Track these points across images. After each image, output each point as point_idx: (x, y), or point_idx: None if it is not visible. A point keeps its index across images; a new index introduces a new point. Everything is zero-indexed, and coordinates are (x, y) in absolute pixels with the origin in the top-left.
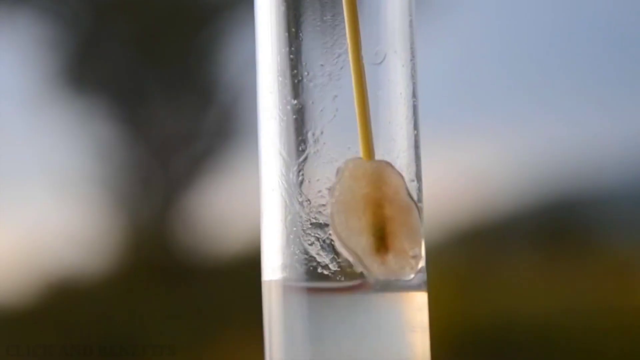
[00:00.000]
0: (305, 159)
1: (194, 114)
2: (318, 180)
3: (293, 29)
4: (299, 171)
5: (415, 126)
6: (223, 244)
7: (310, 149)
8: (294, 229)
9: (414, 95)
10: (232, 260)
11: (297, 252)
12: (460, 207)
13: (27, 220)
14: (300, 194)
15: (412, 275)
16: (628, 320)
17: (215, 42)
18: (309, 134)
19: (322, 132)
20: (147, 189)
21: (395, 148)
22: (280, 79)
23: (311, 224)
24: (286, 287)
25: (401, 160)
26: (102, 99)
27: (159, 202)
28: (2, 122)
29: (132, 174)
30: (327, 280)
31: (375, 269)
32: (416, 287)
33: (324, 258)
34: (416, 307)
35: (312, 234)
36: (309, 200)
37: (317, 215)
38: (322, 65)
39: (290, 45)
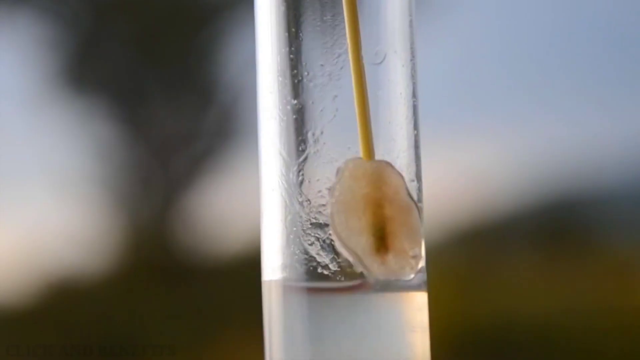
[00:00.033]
0: (305, 159)
1: (194, 114)
2: (318, 180)
3: (293, 29)
4: (299, 171)
5: (415, 126)
6: (223, 244)
7: (310, 149)
8: (294, 229)
9: (414, 95)
10: (232, 260)
11: (297, 252)
12: (460, 207)
13: (27, 220)
14: (300, 194)
15: (412, 275)
16: (628, 320)
17: (215, 42)
18: (309, 134)
19: (322, 132)
20: (147, 189)
21: (395, 148)
22: (280, 79)
23: (311, 224)
24: (286, 287)
25: (401, 160)
26: (102, 99)
27: (159, 202)
28: (2, 122)
29: (132, 174)
30: (327, 280)
31: (375, 268)
32: (416, 287)
33: (324, 258)
34: (416, 307)
35: (312, 234)
36: (309, 200)
37: (317, 215)
38: (322, 65)
39: (290, 45)
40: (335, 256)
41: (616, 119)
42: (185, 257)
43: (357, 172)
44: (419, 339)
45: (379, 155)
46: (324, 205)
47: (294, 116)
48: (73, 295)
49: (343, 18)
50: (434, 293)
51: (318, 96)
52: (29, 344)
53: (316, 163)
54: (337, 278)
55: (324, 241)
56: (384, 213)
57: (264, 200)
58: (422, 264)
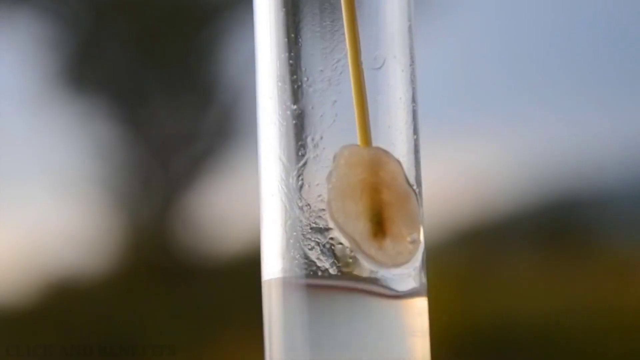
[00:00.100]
0: (305, 163)
1: (194, 114)
2: (318, 184)
3: (292, 35)
4: (299, 176)
5: (415, 131)
6: (223, 244)
7: (310, 154)
8: (294, 233)
9: (414, 100)
10: (232, 260)
11: (297, 256)
12: (460, 207)
13: (27, 220)
14: (300, 198)
15: (409, 262)
16: (628, 320)
17: (215, 42)
18: (309, 139)
19: (321, 137)
20: (147, 189)
21: (394, 153)
22: (279, 84)
23: (311, 228)
24: (286, 286)
25: None
26: (102, 99)
27: (159, 202)
28: (2, 122)
29: (132, 174)
30: (328, 279)
31: (372, 253)
32: (416, 292)
33: (324, 262)
34: (416, 311)
35: (312, 239)
36: (308, 204)
37: (317, 220)
38: (321, 70)
39: (289, 51)
40: (336, 261)
41: (616, 119)
42: (185, 257)
43: (352, 159)
44: (419, 344)
45: None
46: (323, 209)
47: (294, 121)
48: (73, 295)
49: (342, 23)
50: (434, 293)
51: (317, 101)
52: (29, 344)
53: (316, 168)
54: (338, 282)
55: (324, 245)
56: (381, 198)
57: (263, 205)
58: (420, 249)
